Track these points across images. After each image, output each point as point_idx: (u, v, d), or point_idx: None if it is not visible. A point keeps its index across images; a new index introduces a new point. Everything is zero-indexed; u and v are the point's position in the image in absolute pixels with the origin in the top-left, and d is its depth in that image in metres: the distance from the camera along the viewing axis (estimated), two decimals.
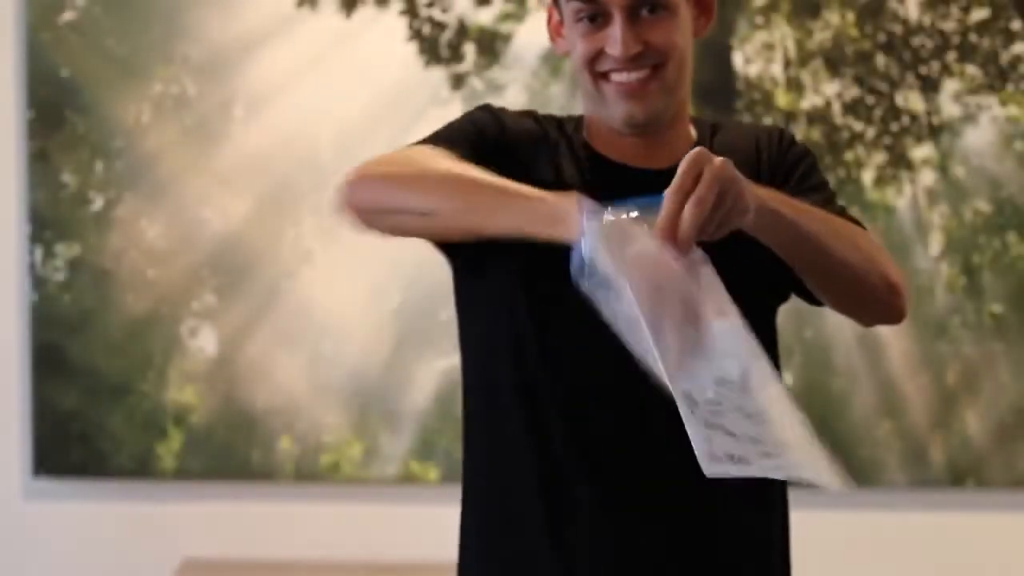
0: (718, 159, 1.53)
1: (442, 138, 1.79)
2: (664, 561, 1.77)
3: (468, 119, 1.84)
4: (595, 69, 1.78)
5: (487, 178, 1.65)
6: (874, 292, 1.77)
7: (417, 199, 1.68)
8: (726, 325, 1.52)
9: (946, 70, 3.37)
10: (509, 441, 1.80)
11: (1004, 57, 3.37)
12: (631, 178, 1.80)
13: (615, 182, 1.78)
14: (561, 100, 3.35)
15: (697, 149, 1.54)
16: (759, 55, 3.38)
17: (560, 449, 1.77)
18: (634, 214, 1.53)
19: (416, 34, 3.42)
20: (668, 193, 1.51)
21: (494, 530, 1.84)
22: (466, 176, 1.67)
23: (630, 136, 1.81)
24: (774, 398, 1.52)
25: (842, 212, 1.85)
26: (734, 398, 1.50)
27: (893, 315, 1.83)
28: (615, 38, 1.74)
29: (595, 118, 1.84)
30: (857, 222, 1.83)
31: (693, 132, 1.88)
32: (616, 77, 1.77)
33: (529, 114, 1.88)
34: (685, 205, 1.50)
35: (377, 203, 1.72)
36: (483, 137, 1.80)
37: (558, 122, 1.88)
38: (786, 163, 1.88)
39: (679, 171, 1.52)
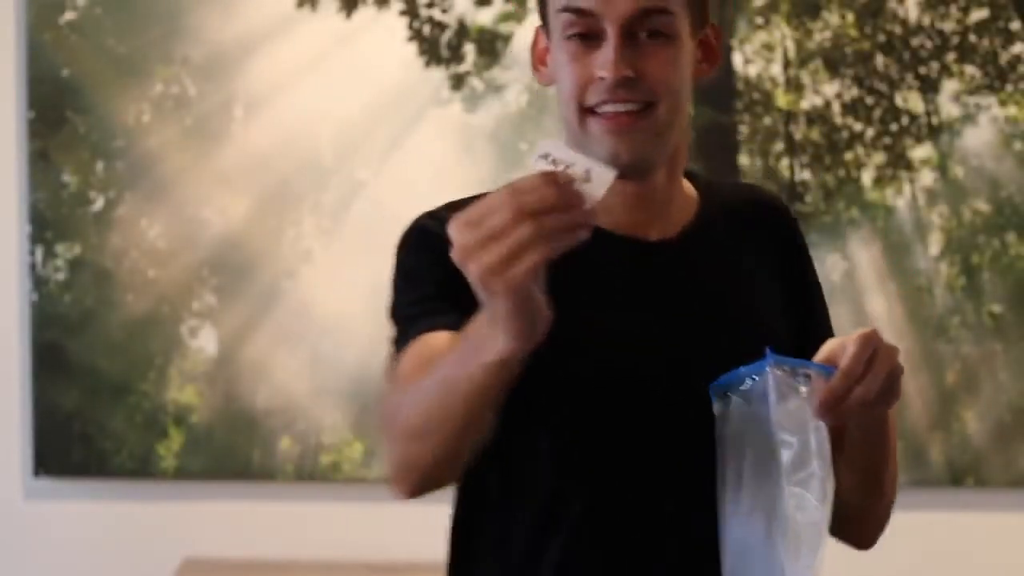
0: (892, 346, 1.54)
1: (416, 321, 1.72)
2: None
3: (404, 280, 1.78)
4: (583, 103, 1.60)
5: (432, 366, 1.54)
6: (880, 517, 1.87)
7: (417, 444, 1.60)
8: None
9: (945, 70, 3.37)
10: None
11: (1003, 57, 3.37)
12: (621, 249, 1.66)
13: (602, 253, 1.61)
14: None
15: (869, 331, 1.53)
16: (759, 55, 3.38)
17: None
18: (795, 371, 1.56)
19: (416, 34, 3.42)
20: (839, 375, 1.51)
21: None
22: (413, 384, 1.59)
23: (618, 184, 1.44)
24: None
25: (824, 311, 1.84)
26: None
27: (869, 544, 1.91)
28: (606, 58, 1.57)
29: None
30: None
31: (692, 190, 1.74)
32: (603, 109, 1.59)
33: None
34: (853, 388, 1.52)
35: (410, 476, 1.66)
36: (438, 278, 1.67)
37: None
38: (795, 244, 1.82)
39: (851, 352, 1.51)
